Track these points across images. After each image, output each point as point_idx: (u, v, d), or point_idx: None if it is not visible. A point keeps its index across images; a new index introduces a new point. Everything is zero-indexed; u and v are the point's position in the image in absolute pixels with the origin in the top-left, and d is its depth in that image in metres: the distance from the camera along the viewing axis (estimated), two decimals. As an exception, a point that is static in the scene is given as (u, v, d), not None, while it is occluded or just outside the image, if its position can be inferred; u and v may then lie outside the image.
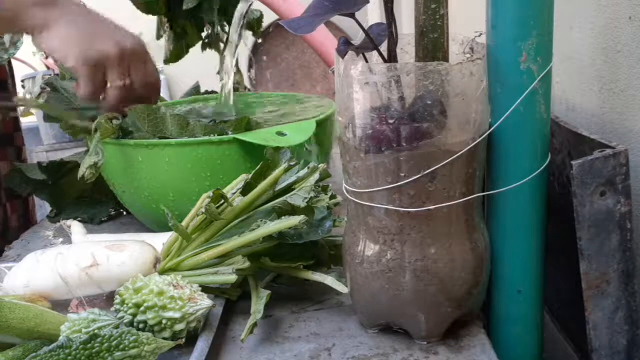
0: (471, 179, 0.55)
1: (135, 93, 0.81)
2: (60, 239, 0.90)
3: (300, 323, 0.63)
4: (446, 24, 0.55)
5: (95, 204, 0.97)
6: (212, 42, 1.24)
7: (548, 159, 0.56)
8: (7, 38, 1.05)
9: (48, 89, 0.91)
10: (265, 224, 0.63)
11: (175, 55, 1.25)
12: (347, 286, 0.60)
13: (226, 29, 1.21)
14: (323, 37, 1.09)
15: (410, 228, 0.54)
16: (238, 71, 1.28)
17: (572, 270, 0.57)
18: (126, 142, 0.81)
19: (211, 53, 1.26)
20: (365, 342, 0.59)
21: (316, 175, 0.67)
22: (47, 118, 0.91)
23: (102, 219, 0.97)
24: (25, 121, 1.90)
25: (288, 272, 0.65)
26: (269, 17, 1.31)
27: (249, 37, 1.60)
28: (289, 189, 0.67)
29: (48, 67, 2.15)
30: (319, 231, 0.65)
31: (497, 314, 0.61)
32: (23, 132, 1.16)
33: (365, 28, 0.53)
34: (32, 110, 1.98)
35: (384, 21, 0.53)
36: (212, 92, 1.25)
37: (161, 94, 1.05)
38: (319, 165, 0.67)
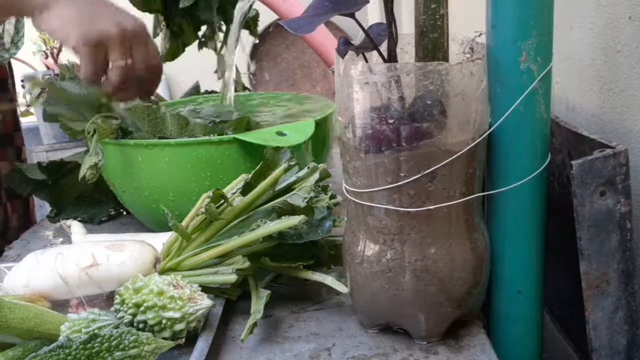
0: (471, 179, 0.55)
1: (137, 74, 0.80)
2: (60, 239, 0.90)
3: (300, 323, 0.63)
4: (446, 24, 0.55)
5: (95, 204, 0.97)
6: (208, 41, 1.23)
7: (548, 159, 0.56)
8: (7, 38, 1.05)
9: (48, 88, 0.91)
10: (265, 224, 0.63)
11: (171, 53, 1.25)
12: (347, 286, 0.60)
13: (223, 27, 1.21)
14: (323, 37, 1.09)
15: (410, 228, 0.54)
16: (237, 71, 1.28)
17: (572, 270, 0.57)
18: (126, 142, 0.81)
19: (212, 53, 1.26)
20: (365, 342, 0.59)
21: (316, 175, 0.67)
22: (47, 118, 0.91)
23: (102, 219, 0.97)
24: (25, 121, 1.90)
25: (288, 272, 0.65)
26: (269, 17, 1.31)
27: (249, 38, 1.60)
28: (289, 189, 0.67)
29: (48, 67, 2.15)
30: (319, 231, 0.65)
31: (497, 314, 0.61)
32: (23, 132, 1.16)
33: (365, 28, 0.53)
34: (32, 110, 1.98)
35: (384, 21, 0.53)
36: (212, 92, 1.25)
37: (161, 94, 1.05)
38: (319, 165, 0.67)
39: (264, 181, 0.67)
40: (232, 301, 0.66)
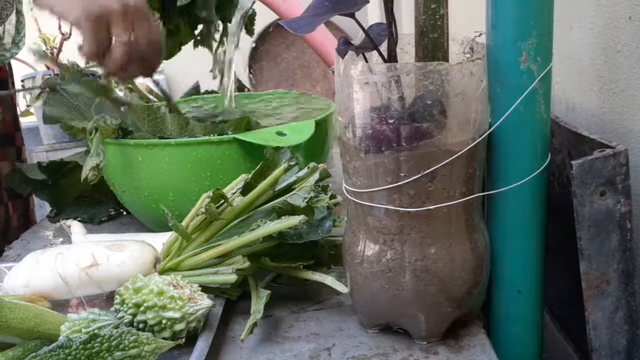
0: (471, 179, 0.55)
1: (139, 51, 0.79)
2: (60, 239, 0.90)
3: (300, 323, 0.63)
4: (446, 24, 0.55)
5: (95, 204, 0.98)
6: (204, 40, 1.23)
7: (548, 159, 0.56)
8: (8, 38, 1.05)
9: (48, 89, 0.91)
10: (265, 224, 0.63)
11: (168, 52, 1.24)
12: (347, 286, 0.60)
13: (219, 27, 1.21)
14: (323, 37, 1.09)
15: (410, 228, 0.54)
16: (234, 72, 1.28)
17: (572, 270, 0.57)
18: (126, 142, 0.81)
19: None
20: (365, 342, 0.59)
21: (316, 175, 0.67)
22: (47, 120, 0.90)
23: (102, 219, 0.97)
24: (25, 121, 1.90)
25: (288, 272, 0.65)
26: (269, 17, 1.31)
27: (249, 38, 1.60)
28: (289, 189, 0.67)
29: (48, 67, 2.14)
30: (319, 231, 0.65)
31: (497, 314, 0.61)
32: (23, 132, 1.16)
33: (365, 28, 0.53)
34: (32, 110, 1.98)
35: (384, 21, 0.53)
36: (212, 92, 1.25)
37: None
38: (319, 165, 0.67)
39: (264, 181, 0.67)
40: (232, 301, 0.66)
